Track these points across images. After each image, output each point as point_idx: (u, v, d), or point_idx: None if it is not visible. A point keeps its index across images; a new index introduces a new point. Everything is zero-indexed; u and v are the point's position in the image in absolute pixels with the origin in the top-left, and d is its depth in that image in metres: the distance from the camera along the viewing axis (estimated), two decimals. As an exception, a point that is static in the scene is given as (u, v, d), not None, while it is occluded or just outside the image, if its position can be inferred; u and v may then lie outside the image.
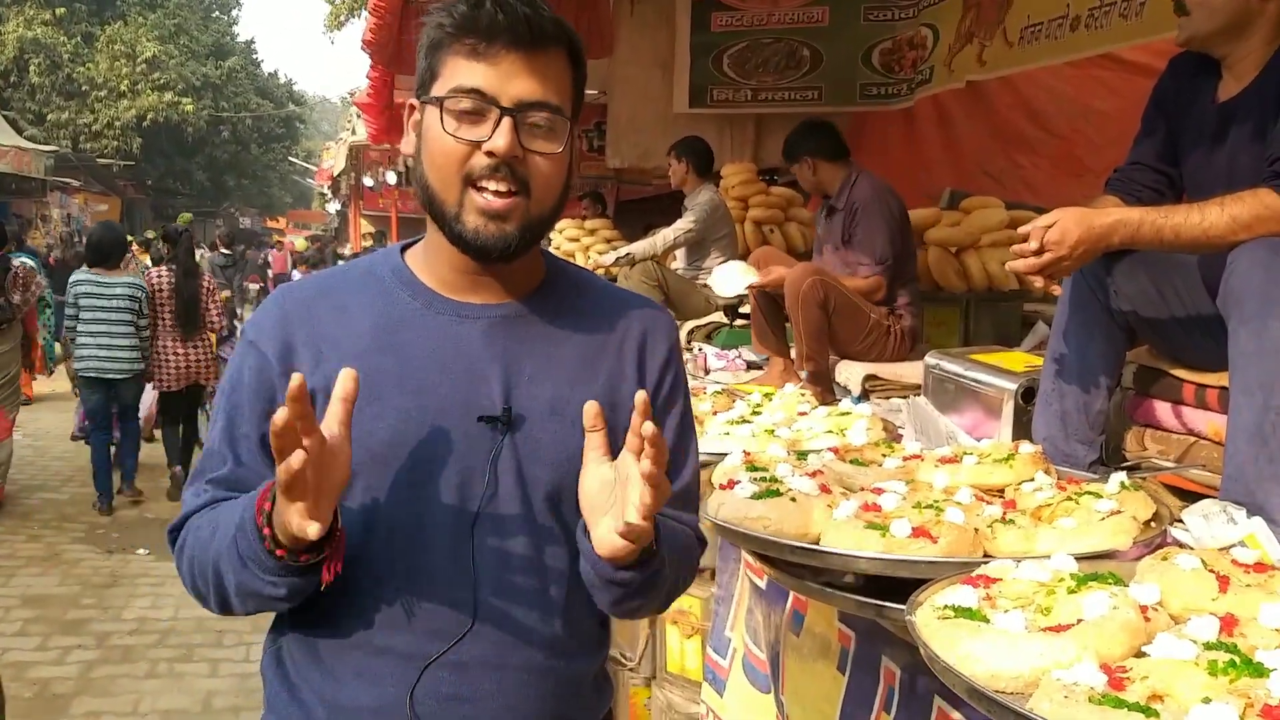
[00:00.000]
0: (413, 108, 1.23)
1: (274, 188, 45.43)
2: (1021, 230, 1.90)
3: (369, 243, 19.62)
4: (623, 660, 3.10)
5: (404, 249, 1.32)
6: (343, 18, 26.74)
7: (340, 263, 7.07)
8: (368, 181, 18.43)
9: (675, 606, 2.89)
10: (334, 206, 29.06)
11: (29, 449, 8.16)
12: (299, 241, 21.12)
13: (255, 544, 1.09)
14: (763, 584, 2.35)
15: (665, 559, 1.20)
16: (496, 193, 1.16)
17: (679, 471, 1.33)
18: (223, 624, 4.66)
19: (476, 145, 1.15)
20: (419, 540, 1.19)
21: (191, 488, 1.26)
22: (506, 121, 1.14)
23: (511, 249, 1.19)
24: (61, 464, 7.79)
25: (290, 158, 41.89)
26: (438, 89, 1.17)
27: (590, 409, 1.11)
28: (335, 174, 20.24)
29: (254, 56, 38.29)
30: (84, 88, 28.32)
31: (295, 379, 0.99)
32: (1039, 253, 1.84)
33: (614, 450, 1.15)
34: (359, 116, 12.41)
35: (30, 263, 8.24)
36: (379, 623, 1.19)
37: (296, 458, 1.00)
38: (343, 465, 1.07)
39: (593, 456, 1.14)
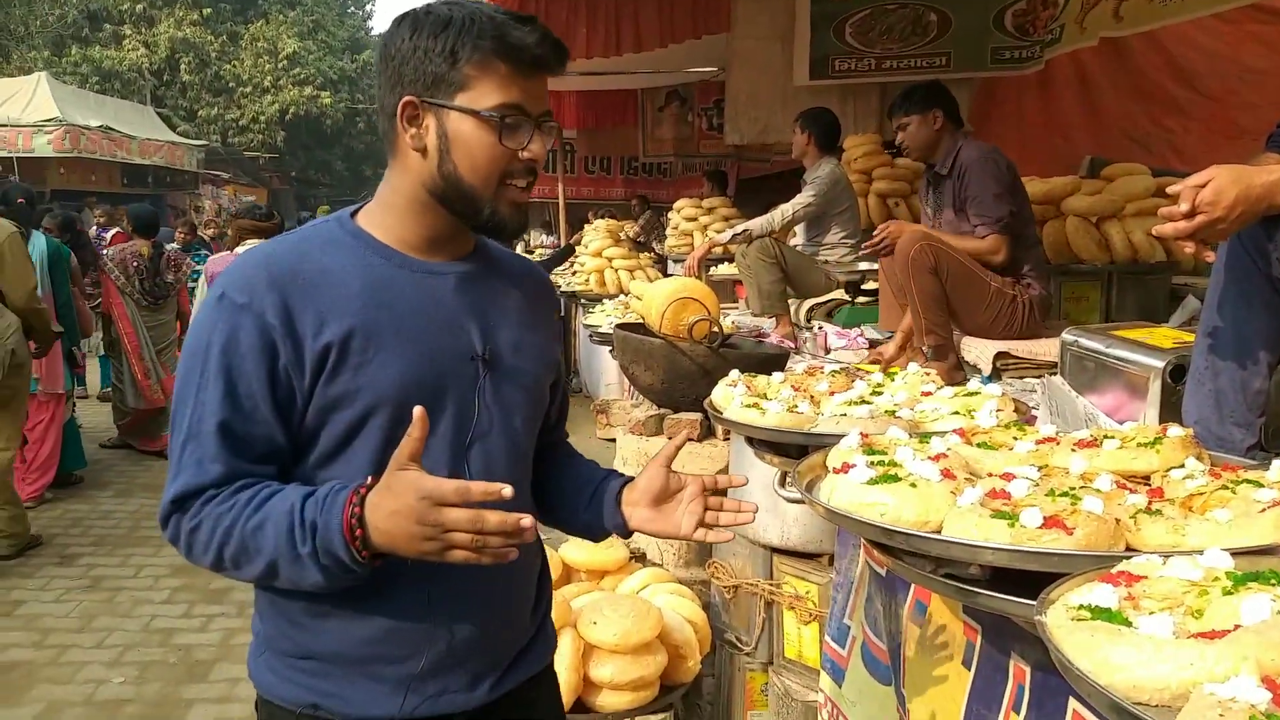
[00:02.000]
0: (414, 105, 1.35)
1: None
2: (1171, 190, 1.71)
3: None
4: (739, 644, 3.04)
5: (351, 215, 1.46)
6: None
7: None
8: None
9: (791, 591, 2.82)
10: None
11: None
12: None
13: (340, 548, 1.24)
14: (883, 571, 2.25)
15: None
16: (524, 188, 1.40)
17: (565, 407, 1.72)
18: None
19: (516, 151, 1.36)
20: (425, 466, 1.27)
21: (192, 455, 1.30)
22: (538, 133, 1.37)
23: (523, 229, 1.48)
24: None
25: (421, 146, 43.18)
26: (472, 101, 1.33)
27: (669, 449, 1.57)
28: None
29: (387, 49, 39.52)
30: (230, 84, 29.84)
31: (418, 412, 1.21)
32: (1190, 215, 1.66)
33: (538, 387, 1.54)
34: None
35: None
36: None
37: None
38: None
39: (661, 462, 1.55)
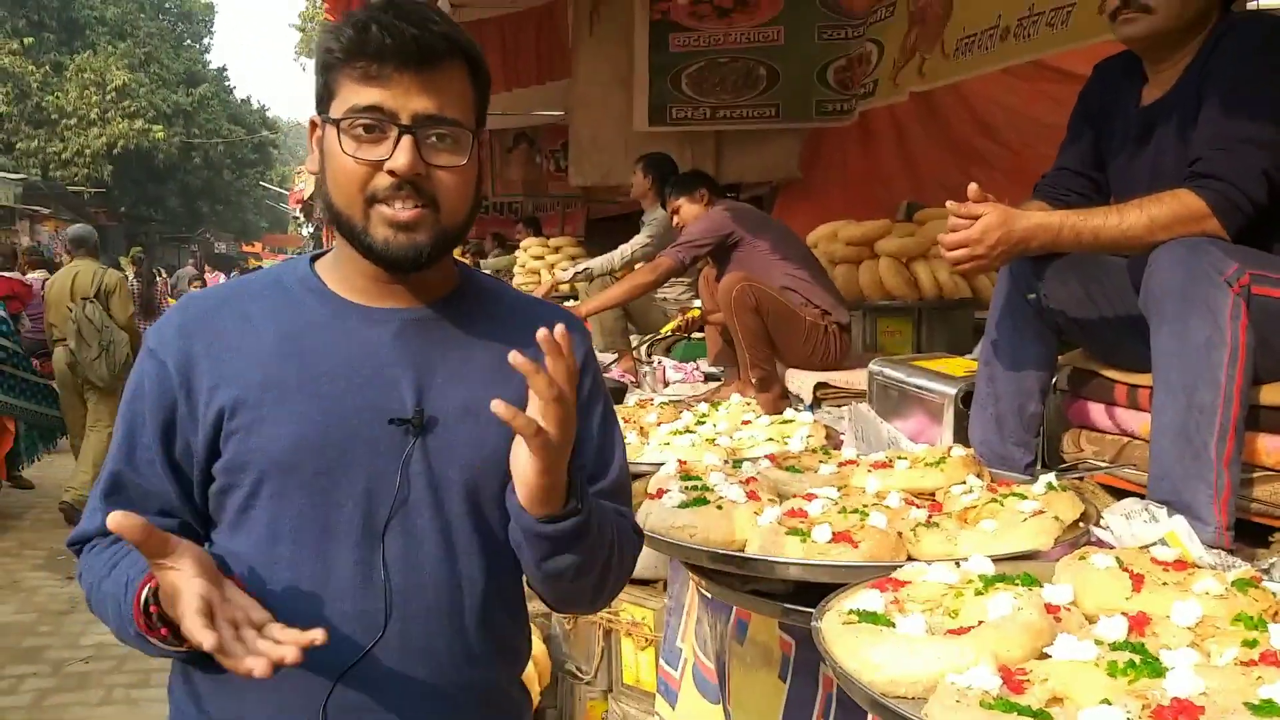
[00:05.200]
0: (314, 124, 1.22)
1: (248, 213, 45.31)
2: (949, 206, 1.86)
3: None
4: (579, 673, 3.08)
5: (314, 259, 1.31)
6: (314, 44, 26.80)
7: None
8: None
9: (628, 618, 2.88)
10: (307, 230, 28.95)
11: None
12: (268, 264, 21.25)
13: (134, 632, 1.13)
14: (709, 594, 2.34)
15: (594, 525, 1.19)
16: (401, 207, 1.16)
17: (607, 469, 1.32)
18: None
19: (378, 165, 1.15)
20: (327, 549, 1.18)
21: (93, 500, 1.25)
22: (406, 139, 1.14)
23: (424, 258, 1.19)
24: (21, 490, 7.67)
25: (264, 183, 41.78)
26: (335, 109, 1.17)
27: (499, 406, 1.04)
28: (307, 197, 20.14)
29: (226, 83, 38.25)
30: (53, 116, 28.15)
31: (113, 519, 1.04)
32: (960, 245, 1.84)
33: (493, 451, 1.20)
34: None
35: None
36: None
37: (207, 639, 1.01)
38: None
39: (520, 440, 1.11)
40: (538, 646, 3.08)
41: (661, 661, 2.69)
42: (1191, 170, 1.84)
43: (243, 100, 40.14)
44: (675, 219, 4.06)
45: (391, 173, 1.14)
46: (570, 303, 6.13)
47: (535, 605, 3.44)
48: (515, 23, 6.88)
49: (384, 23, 1.12)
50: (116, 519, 1.02)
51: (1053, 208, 2.10)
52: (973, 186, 1.85)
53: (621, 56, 6.67)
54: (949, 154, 5.76)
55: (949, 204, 1.87)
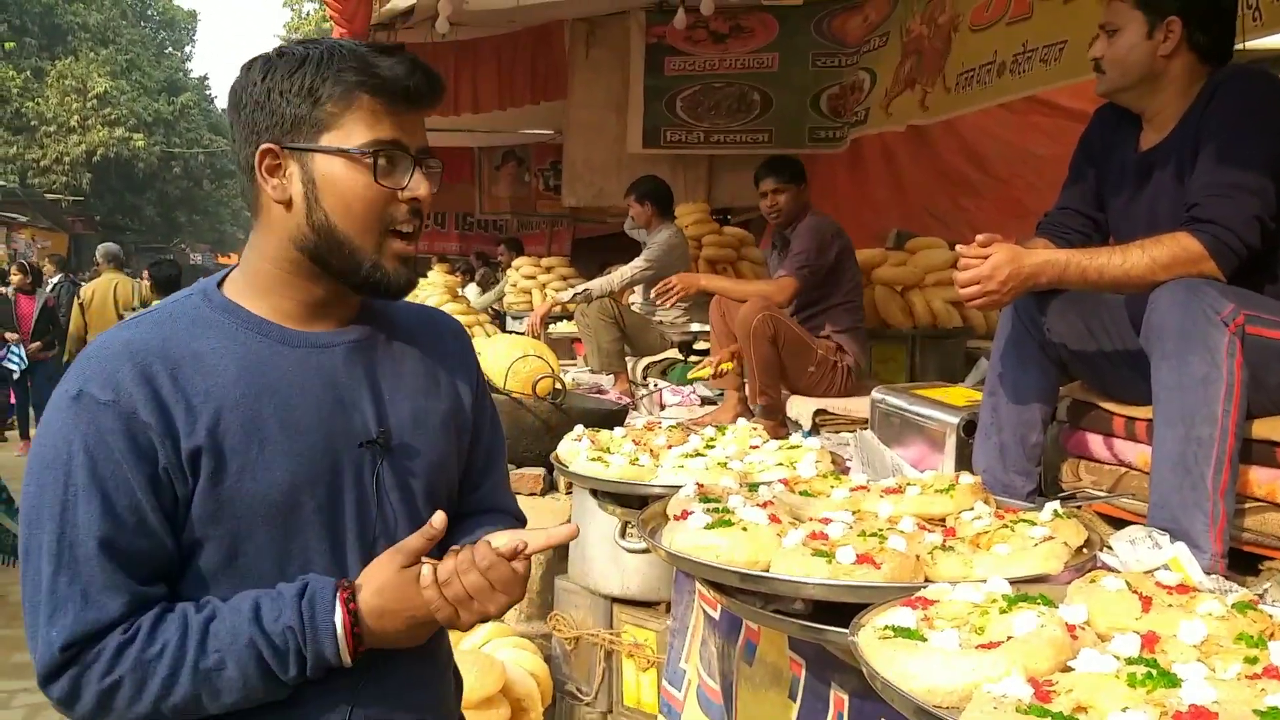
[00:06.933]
0: (274, 153, 1.20)
1: (226, 224, 44.98)
2: (959, 249, 2.00)
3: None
4: (579, 694, 3.12)
5: (217, 286, 1.28)
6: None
7: None
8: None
9: (630, 639, 2.93)
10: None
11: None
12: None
13: (332, 660, 1.16)
14: (716, 614, 2.40)
15: None
16: (409, 236, 1.25)
17: (498, 464, 1.48)
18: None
19: (394, 194, 1.22)
20: (335, 573, 1.22)
21: (72, 589, 1.09)
22: (418, 170, 1.23)
23: (412, 286, 1.29)
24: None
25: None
26: (340, 140, 1.19)
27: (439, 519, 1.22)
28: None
29: (207, 93, 38.13)
30: (33, 123, 27.93)
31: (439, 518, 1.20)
32: (972, 283, 1.94)
33: (460, 452, 1.37)
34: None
35: None
36: None
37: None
38: None
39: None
40: (539, 667, 3.12)
41: (665, 682, 2.74)
42: (1189, 215, 1.95)
43: (224, 110, 39.90)
44: (793, 205, 4.00)
45: (414, 200, 1.23)
46: (563, 324, 6.20)
47: (534, 626, 3.48)
48: (511, 43, 6.97)
49: (407, 59, 1.21)
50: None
51: (1056, 245, 2.20)
52: (980, 236, 1.98)
53: (616, 79, 6.78)
54: (938, 182, 5.90)
55: (959, 247, 1.99)
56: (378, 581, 1.18)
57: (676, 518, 1.84)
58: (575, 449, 2.56)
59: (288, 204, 1.21)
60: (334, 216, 1.20)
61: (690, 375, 4.06)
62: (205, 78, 38.57)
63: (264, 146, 1.19)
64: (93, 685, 1.10)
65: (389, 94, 1.19)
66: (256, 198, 1.23)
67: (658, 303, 4.44)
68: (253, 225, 1.26)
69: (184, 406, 1.14)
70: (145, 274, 8.00)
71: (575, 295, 5.02)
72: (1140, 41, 2.09)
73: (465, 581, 1.17)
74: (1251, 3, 3.19)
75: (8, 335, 9.11)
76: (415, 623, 1.19)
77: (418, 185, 1.22)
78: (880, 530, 1.71)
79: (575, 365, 5.59)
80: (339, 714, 1.22)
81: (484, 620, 1.21)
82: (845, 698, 1.86)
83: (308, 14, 26.37)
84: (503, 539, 1.21)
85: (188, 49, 38.98)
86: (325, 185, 1.19)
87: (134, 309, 7.56)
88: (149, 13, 37.14)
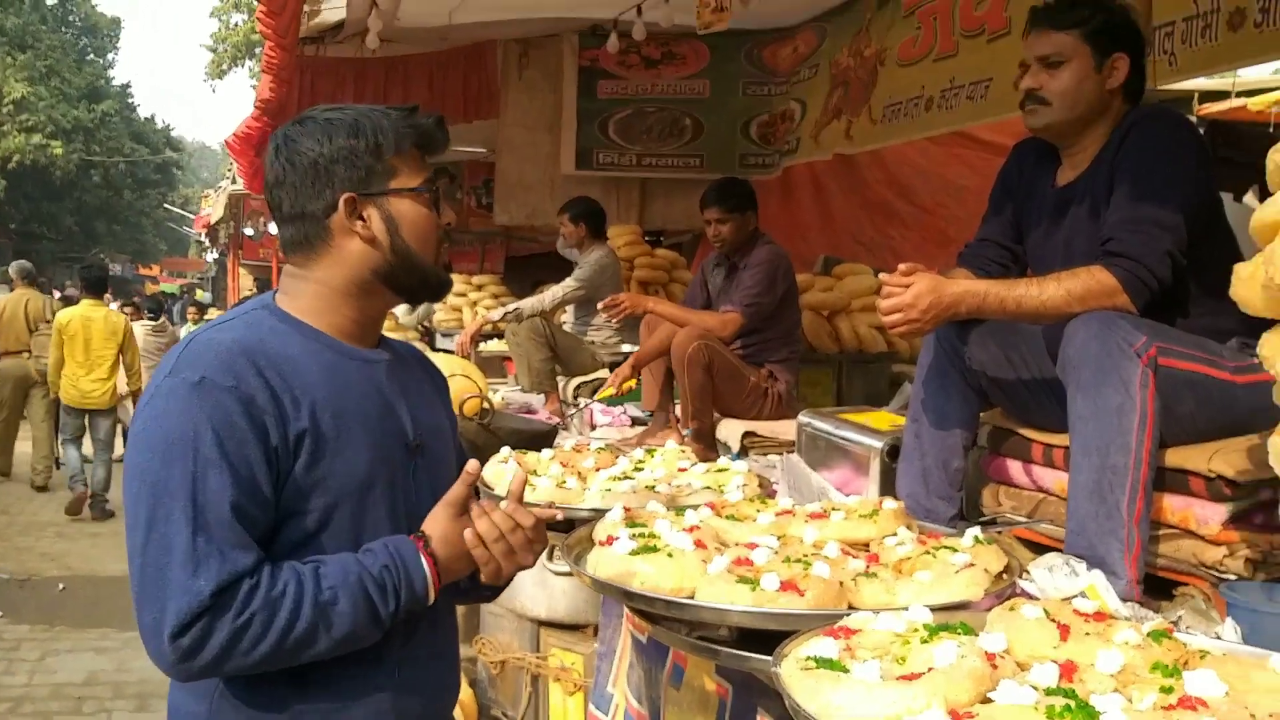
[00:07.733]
0: (354, 201, 1.43)
1: (148, 234, 43.85)
2: (882, 277, 2.03)
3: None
4: (505, 718, 3.07)
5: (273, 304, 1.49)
6: (225, 65, 26.22)
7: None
8: (248, 231, 17.95)
9: (557, 663, 2.90)
10: (212, 255, 28.15)
11: None
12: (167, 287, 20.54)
13: (424, 597, 1.39)
14: (644, 639, 2.39)
15: None
16: (446, 249, 1.56)
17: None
18: (81, 690, 4.51)
19: (441, 219, 1.52)
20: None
21: (210, 546, 1.26)
22: (444, 200, 1.53)
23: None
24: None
25: (166, 204, 40.50)
26: (404, 183, 1.46)
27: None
28: (213, 222, 19.56)
29: (130, 100, 37.18)
30: (-57, 127, 26.96)
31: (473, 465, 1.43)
32: (895, 310, 1.98)
33: (452, 466, 1.55)
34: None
35: None
36: None
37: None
38: None
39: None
40: (464, 690, 3.07)
41: (591, 706, 2.71)
42: (1104, 249, 2.00)
43: (147, 119, 39.05)
44: (745, 233, 3.93)
45: (448, 224, 1.53)
46: (493, 342, 6.16)
47: (460, 650, 3.42)
48: (443, 61, 6.93)
49: (434, 116, 1.51)
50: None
51: (976, 275, 2.25)
52: (903, 265, 2.01)
53: (549, 100, 6.78)
54: (865, 211, 6.02)
55: (882, 275, 2.02)
56: (439, 531, 1.41)
57: (602, 543, 1.82)
58: (501, 471, 2.52)
59: (371, 240, 1.44)
60: (413, 244, 1.47)
61: (597, 396, 4.07)
62: (128, 85, 37.61)
63: (346, 195, 1.43)
64: (226, 627, 1.25)
65: (429, 145, 1.49)
66: (325, 237, 1.44)
67: (603, 316, 4.42)
68: (307, 258, 1.45)
69: (290, 396, 1.34)
70: (55, 293, 8.32)
71: (506, 314, 4.98)
72: (1090, 74, 2.10)
73: (512, 541, 1.41)
74: (1167, 48, 3.31)
75: None
76: (471, 561, 1.42)
77: (448, 212, 1.54)
78: (805, 556, 1.72)
79: (506, 384, 5.54)
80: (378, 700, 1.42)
81: (521, 570, 1.46)
82: (792, 721, 1.86)
83: (235, 24, 25.85)
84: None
85: (110, 56, 38.00)
86: (403, 220, 1.46)
87: (47, 321, 7.99)
88: (70, 18, 36.13)
